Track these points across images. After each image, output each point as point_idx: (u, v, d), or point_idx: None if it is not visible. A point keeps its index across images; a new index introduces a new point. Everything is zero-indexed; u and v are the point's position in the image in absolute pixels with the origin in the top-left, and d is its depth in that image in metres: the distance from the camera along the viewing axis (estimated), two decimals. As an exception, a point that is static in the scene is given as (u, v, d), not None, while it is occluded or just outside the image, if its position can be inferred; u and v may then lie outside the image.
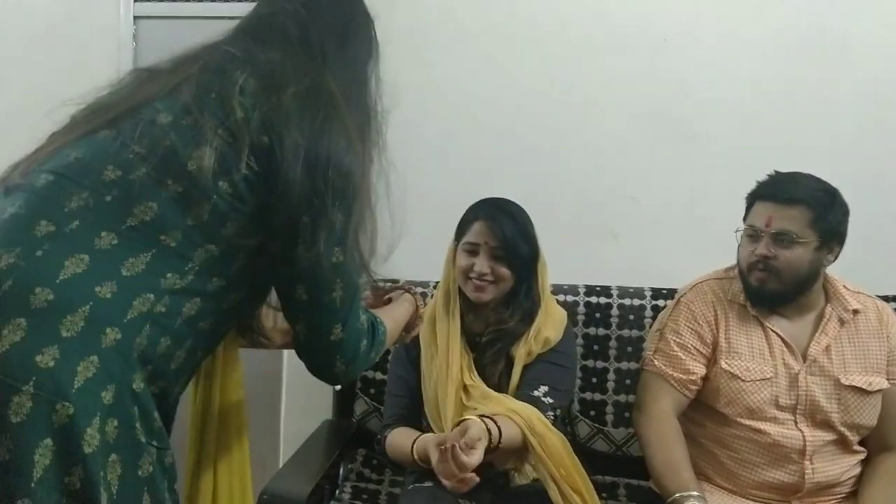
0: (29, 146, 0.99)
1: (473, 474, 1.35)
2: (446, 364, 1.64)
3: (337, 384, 1.08)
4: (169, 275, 0.89)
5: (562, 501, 1.48)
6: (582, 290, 2.05)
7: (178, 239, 0.90)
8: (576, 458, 1.55)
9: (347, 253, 0.98)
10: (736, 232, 1.62)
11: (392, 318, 1.20)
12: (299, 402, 2.19)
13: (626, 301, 2.02)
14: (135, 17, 2.19)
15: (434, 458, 1.43)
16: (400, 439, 1.65)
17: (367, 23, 1.16)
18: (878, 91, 2.10)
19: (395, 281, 2.08)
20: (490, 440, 1.38)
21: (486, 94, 2.22)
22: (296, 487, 1.59)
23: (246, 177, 0.93)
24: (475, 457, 1.31)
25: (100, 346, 0.82)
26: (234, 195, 0.93)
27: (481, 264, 1.62)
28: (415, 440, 1.59)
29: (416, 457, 1.56)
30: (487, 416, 1.43)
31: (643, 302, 2.01)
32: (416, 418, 1.70)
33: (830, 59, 2.11)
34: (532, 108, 2.21)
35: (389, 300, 1.38)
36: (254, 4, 1.13)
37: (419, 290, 2.03)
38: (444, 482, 1.46)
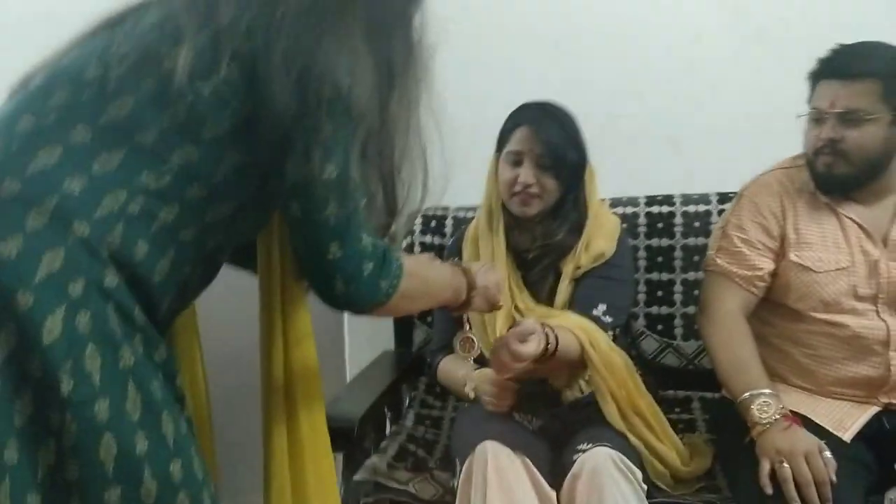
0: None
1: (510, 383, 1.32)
2: None
3: (341, 307, 1.01)
4: (144, 174, 0.87)
5: (620, 419, 1.42)
6: (642, 201, 1.94)
7: (154, 138, 0.88)
8: (638, 379, 1.48)
9: (343, 171, 0.93)
10: (798, 117, 1.48)
11: (417, 261, 1.13)
12: (363, 332, 2.17)
13: (691, 208, 1.90)
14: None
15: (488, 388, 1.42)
16: (450, 367, 1.62)
17: None
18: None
19: (444, 209, 2.05)
20: (547, 343, 1.31)
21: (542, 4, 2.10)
22: (352, 409, 1.58)
23: (227, 80, 0.90)
24: (530, 347, 1.24)
25: (66, 240, 0.81)
26: (214, 97, 0.89)
27: (526, 174, 1.52)
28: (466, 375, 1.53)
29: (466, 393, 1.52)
30: (543, 322, 1.37)
31: (709, 208, 1.89)
32: None
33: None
34: (588, 13, 2.08)
35: None
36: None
37: (468, 214, 1.99)
38: (487, 399, 1.44)
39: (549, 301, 1.55)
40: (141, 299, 0.87)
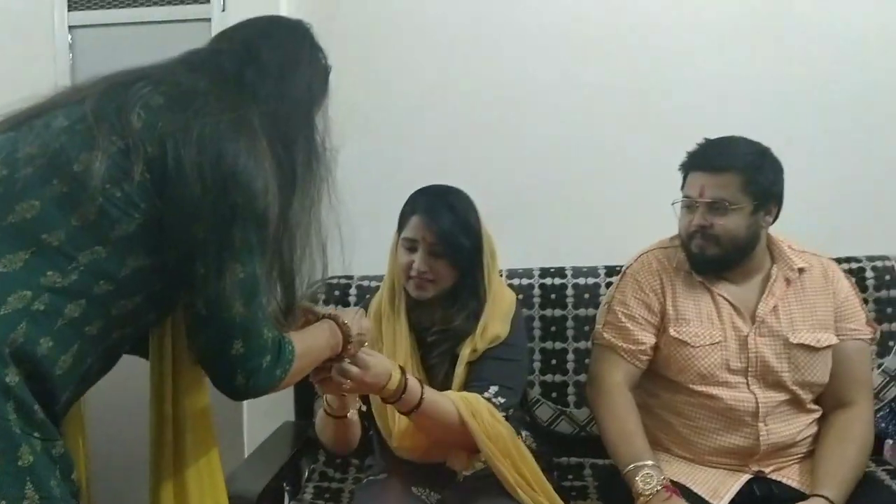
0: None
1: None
2: None
3: (240, 398, 1.07)
4: (49, 273, 0.89)
5: (513, 483, 1.44)
6: (536, 273, 2.03)
7: (62, 238, 0.90)
8: (524, 451, 1.49)
9: (250, 272, 0.98)
10: (673, 204, 1.61)
11: (303, 340, 1.17)
12: (262, 404, 2.14)
13: (581, 280, 2.00)
14: (70, 27, 2.16)
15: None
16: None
17: (312, 64, 1.16)
18: (827, 65, 2.12)
19: (349, 278, 2.08)
20: (403, 388, 1.37)
21: (439, 80, 2.21)
22: (249, 486, 1.56)
23: (140, 184, 0.93)
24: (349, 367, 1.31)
25: None
26: (125, 201, 0.93)
27: (420, 262, 1.54)
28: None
29: (327, 409, 1.52)
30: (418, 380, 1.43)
31: (597, 280, 1.99)
32: None
33: (772, 37, 2.13)
34: (488, 90, 2.20)
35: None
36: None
37: (370, 284, 2.03)
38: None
39: (445, 383, 1.57)
40: (40, 394, 0.87)
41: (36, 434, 0.86)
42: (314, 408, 1.97)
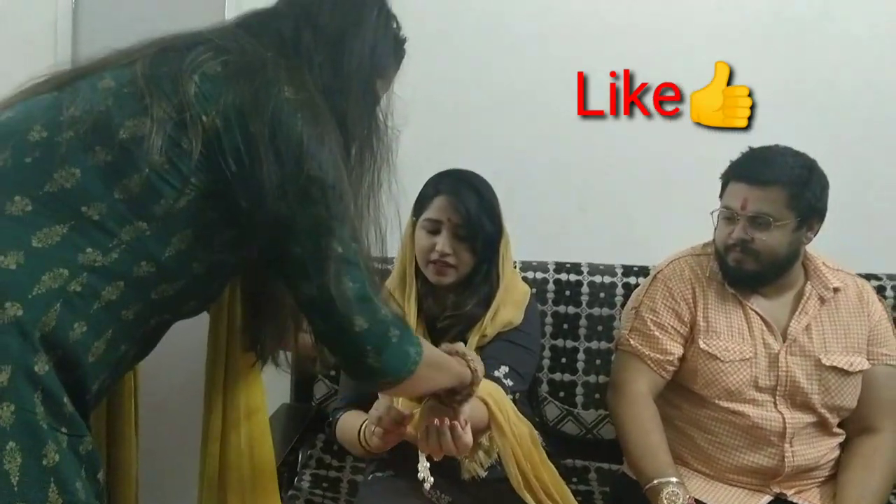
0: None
1: None
2: None
3: (375, 378, 0.98)
4: (89, 250, 0.80)
5: (521, 484, 1.39)
6: (552, 267, 1.96)
7: (103, 212, 0.82)
8: (543, 452, 1.45)
9: (347, 246, 0.91)
10: (712, 213, 1.55)
11: (440, 353, 1.12)
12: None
13: (597, 278, 1.94)
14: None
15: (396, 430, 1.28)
16: (349, 423, 1.51)
17: (378, 32, 1.05)
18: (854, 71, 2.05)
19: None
20: None
21: (449, 68, 2.09)
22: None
23: (195, 158, 0.85)
24: (469, 436, 1.21)
25: None
26: (176, 175, 0.85)
27: (443, 244, 1.48)
28: (361, 425, 1.43)
29: (363, 443, 1.41)
30: None
31: (614, 279, 1.94)
32: (371, 401, 1.59)
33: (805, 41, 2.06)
34: (500, 81, 2.10)
35: None
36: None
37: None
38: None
39: None
40: (70, 384, 0.80)
41: (63, 429, 0.78)
42: (313, 391, 1.92)
